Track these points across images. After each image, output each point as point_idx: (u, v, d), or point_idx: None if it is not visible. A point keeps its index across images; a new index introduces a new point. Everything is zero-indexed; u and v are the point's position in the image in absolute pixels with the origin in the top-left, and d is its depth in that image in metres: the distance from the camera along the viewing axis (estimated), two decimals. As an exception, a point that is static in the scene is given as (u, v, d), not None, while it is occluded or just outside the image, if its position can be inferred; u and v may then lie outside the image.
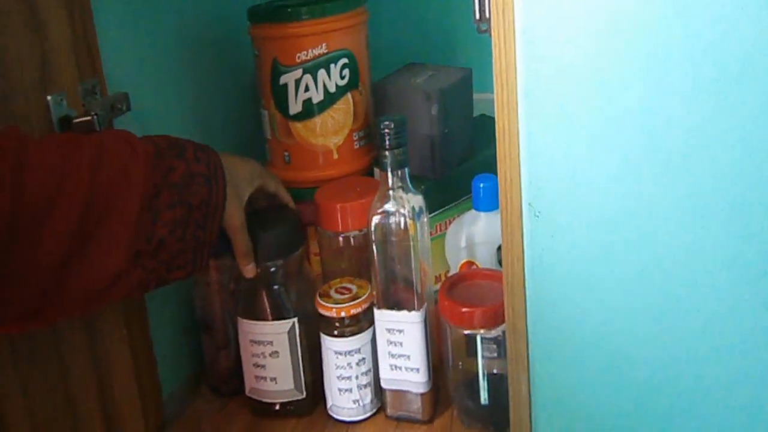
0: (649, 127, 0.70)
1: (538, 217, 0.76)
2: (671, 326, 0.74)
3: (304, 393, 1.04)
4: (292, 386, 1.03)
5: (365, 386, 1.01)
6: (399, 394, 1.01)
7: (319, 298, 1.00)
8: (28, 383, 0.81)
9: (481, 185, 1.07)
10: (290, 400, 1.05)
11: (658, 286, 0.73)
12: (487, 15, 0.76)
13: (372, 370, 1.01)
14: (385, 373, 1.01)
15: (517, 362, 0.80)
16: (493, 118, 1.29)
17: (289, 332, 1.01)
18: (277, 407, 1.06)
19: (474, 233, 1.07)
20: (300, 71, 1.15)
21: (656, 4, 0.66)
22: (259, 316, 1.02)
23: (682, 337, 0.73)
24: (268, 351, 1.02)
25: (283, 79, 1.17)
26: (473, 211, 1.08)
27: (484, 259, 1.06)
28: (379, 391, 1.03)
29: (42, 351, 0.84)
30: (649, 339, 0.75)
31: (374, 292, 0.99)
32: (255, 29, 1.18)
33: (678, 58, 0.67)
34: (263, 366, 1.03)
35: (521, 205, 0.76)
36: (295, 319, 1.01)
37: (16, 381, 0.80)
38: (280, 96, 1.18)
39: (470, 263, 1.07)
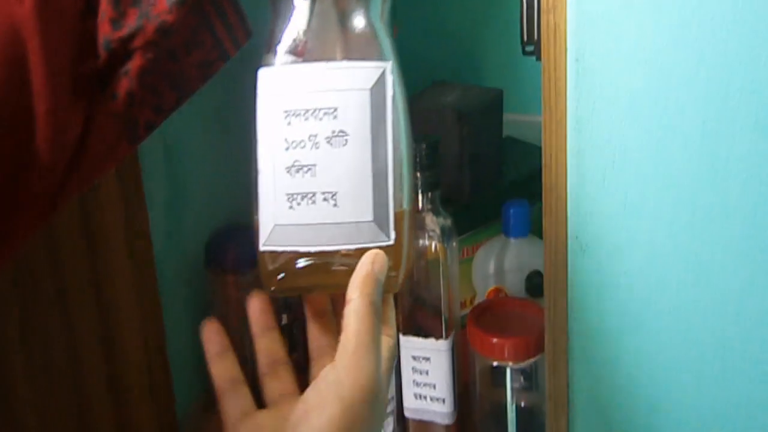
0: (708, 161, 0.66)
1: (584, 250, 0.72)
2: (724, 371, 0.70)
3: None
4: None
5: (388, 414, 0.96)
6: (423, 424, 0.97)
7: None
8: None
9: (512, 211, 1.02)
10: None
11: (711, 326, 0.69)
12: (536, 37, 0.72)
13: (395, 397, 0.96)
14: (409, 402, 0.96)
15: (557, 401, 0.75)
16: (521, 141, 1.26)
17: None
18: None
19: (503, 260, 1.02)
20: (327, 85, 1.09)
21: (718, 31, 0.63)
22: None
23: (737, 383, 0.69)
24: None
25: (310, 93, 1.10)
26: (502, 237, 1.03)
27: (514, 287, 1.01)
28: (401, 419, 0.98)
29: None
30: (699, 383, 0.71)
31: (399, 317, 0.94)
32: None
33: (741, 87, 0.63)
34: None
35: (567, 238, 0.72)
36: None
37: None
38: (307, 110, 1.11)
39: (498, 290, 1.02)
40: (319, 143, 0.54)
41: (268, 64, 0.57)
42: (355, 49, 0.55)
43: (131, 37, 0.57)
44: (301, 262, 0.56)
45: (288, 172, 0.55)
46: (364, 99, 0.54)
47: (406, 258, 0.57)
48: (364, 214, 0.55)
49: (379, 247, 0.55)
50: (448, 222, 0.94)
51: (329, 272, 0.56)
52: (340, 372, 0.54)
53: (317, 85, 0.54)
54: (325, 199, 0.54)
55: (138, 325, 0.92)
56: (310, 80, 0.54)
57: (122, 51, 0.57)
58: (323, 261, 0.56)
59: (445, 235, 0.93)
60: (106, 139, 0.58)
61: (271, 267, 0.58)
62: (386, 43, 0.56)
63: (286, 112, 0.55)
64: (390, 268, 0.56)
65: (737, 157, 0.64)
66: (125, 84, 0.57)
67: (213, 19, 0.60)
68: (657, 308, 0.70)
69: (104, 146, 0.58)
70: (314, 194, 0.54)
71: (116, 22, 0.57)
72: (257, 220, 0.58)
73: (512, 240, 1.03)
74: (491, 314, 0.96)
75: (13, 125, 0.52)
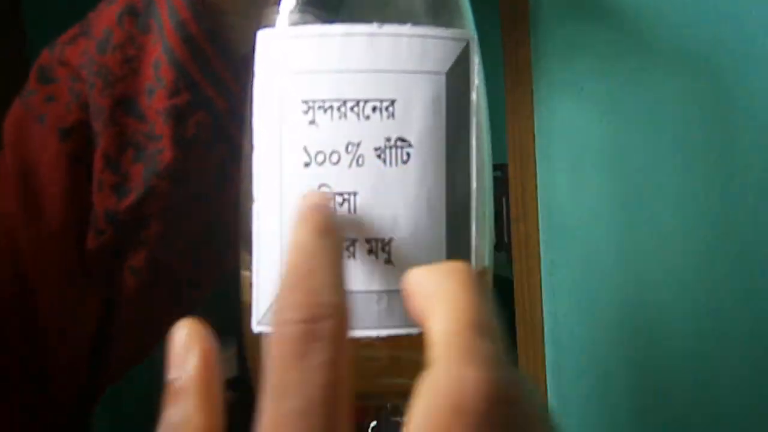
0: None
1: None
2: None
3: None
4: None
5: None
6: None
7: None
8: None
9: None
10: None
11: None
12: (506, 240, 0.63)
13: None
14: None
15: None
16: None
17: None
18: None
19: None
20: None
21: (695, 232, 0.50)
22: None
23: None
24: None
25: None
26: None
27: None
28: None
29: None
30: None
31: None
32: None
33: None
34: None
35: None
36: None
37: None
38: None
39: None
40: (363, 157, 0.28)
41: (270, 24, 0.30)
42: (419, 7, 0.29)
43: (141, 202, 0.40)
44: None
45: None
46: (439, 88, 0.28)
47: None
48: (432, 277, 0.27)
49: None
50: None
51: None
52: None
53: (362, 60, 0.28)
54: (371, 251, 0.27)
55: None
56: (349, 51, 0.28)
57: (132, 221, 0.41)
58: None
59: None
60: (135, 318, 0.43)
61: None
62: (467, 4, 0.29)
63: (306, 102, 0.28)
64: None
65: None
66: (143, 255, 0.41)
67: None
68: None
69: (139, 324, 0.44)
70: (353, 242, 0.27)
71: (119, 187, 0.40)
72: (247, 278, 0.30)
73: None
74: None
75: (17, 331, 0.40)
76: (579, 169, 0.51)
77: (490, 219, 0.31)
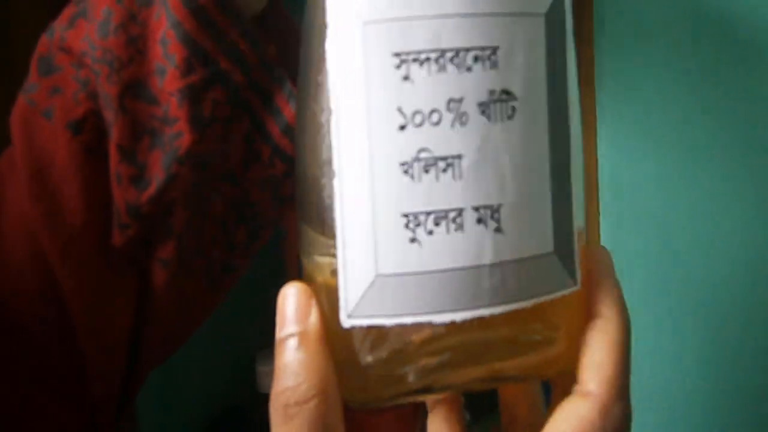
0: None
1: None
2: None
3: None
4: None
5: None
6: None
7: None
8: None
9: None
10: None
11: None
12: None
13: None
14: None
15: None
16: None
17: None
18: None
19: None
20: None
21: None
22: None
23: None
24: None
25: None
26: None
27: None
28: None
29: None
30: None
31: None
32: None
33: None
34: None
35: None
36: None
37: None
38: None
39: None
40: (466, 115, 0.24)
41: None
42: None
43: (163, 191, 0.37)
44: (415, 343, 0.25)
45: (406, 171, 0.24)
46: (538, 32, 0.25)
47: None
48: (541, 242, 0.25)
49: (561, 298, 0.25)
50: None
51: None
52: None
53: (461, 3, 0.24)
54: (480, 220, 0.24)
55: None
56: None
57: (157, 210, 0.38)
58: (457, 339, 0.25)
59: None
60: (170, 308, 0.41)
61: (368, 358, 0.25)
62: None
63: (398, 55, 0.24)
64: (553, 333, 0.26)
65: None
66: (171, 246, 0.39)
67: (267, 123, 0.38)
68: None
69: (174, 313, 0.42)
70: (461, 212, 0.23)
71: (138, 179, 0.37)
72: (327, 265, 0.26)
73: None
74: None
75: (50, 335, 0.38)
76: (651, 149, 0.46)
77: (582, 173, 0.28)
